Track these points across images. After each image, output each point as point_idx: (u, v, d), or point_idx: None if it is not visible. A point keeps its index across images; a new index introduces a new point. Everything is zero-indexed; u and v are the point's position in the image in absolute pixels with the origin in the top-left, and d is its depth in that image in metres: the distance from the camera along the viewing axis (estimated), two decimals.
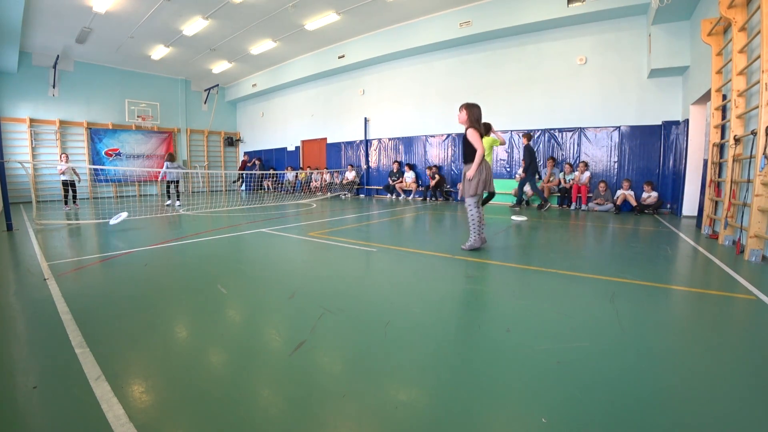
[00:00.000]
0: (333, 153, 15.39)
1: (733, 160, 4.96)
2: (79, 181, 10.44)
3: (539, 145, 10.37)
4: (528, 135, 9.40)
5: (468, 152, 4.42)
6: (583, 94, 9.63)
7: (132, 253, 4.50)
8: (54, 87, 13.96)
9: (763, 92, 4.15)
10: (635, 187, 8.82)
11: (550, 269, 3.78)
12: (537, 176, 9.50)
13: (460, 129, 11.75)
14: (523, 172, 9.32)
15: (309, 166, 16.19)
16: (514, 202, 9.97)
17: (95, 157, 14.98)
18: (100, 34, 12.04)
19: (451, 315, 2.61)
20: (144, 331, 2.30)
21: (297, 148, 17.02)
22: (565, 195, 9.63)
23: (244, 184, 17.89)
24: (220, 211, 9.33)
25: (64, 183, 9.84)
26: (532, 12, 9.47)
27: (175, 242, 5.20)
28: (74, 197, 10.08)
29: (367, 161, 14.25)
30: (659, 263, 4.06)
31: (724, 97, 5.65)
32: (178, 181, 10.73)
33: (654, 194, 8.43)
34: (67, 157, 10.34)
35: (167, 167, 10.46)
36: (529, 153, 9.09)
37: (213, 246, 5.06)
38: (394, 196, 12.98)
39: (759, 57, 4.33)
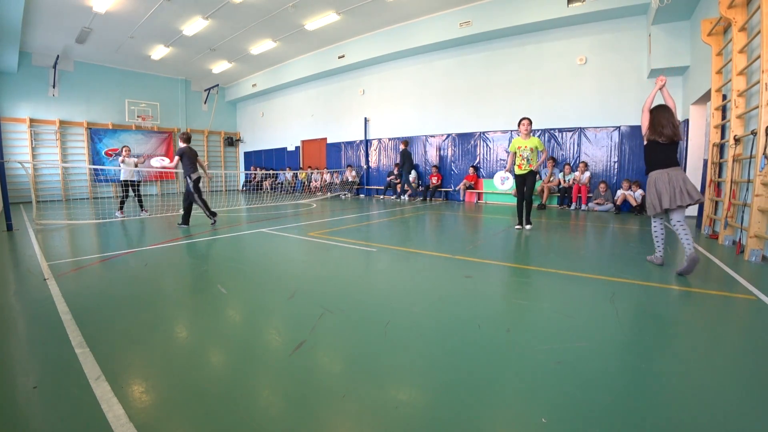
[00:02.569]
0: (333, 153, 15.38)
1: (733, 160, 4.96)
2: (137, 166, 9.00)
3: None
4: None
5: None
6: (583, 94, 9.63)
7: (132, 253, 4.50)
8: (54, 87, 13.95)
9: (763, 92, 4.15)
10: None
11: (550, 269, 3.77)
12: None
13: (460, 129, 11.78)
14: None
15: (310, 166, 16.19)
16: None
17: (95, 157, 14.97)
18: (100, 34, 12.03)
19: (451, 315, 2.61)
20: (144, 331, 2.30)
21: (297, 148, 17.01)
22: (565, 195, 9.63)
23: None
24: (220, 211, 9.32)
25: (125, 183, 8.47)
26: (532, 12, 9.46)
27: (175, 242, 5.20)
28: (140, 201, 8.57)
29: (367, 161, 14.24)
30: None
31: (724, 97, 5.64)
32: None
33: (639, 192, 8.43)
34: (129, 150, 8.70)
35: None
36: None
37: (213, 246, 5.07)
38: (395, 197, 12.95)
39: (759, 57, 4.32)
